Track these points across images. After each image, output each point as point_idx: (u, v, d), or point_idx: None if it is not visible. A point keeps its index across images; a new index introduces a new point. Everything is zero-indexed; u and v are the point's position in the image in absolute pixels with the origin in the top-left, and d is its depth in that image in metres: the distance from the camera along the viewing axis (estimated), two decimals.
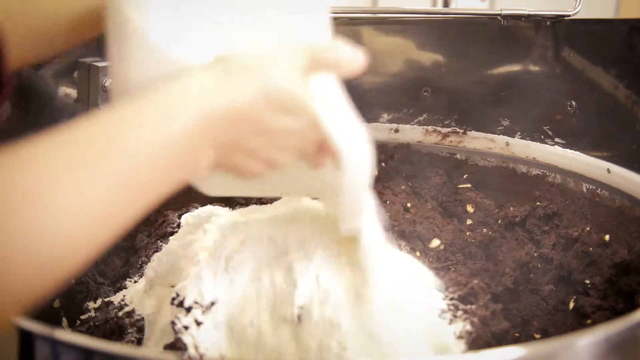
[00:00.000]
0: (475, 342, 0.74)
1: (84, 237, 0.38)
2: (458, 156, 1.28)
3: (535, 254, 1.07)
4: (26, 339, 0.54)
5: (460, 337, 0.74)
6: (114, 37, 0.54)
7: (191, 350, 0.68)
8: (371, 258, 0.69)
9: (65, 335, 0.52)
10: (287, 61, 0.46)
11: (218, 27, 0.52)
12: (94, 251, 0.39)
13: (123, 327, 0.85)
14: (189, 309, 0.72)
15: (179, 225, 1.09)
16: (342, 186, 0.54)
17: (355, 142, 0.53)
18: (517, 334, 0.95)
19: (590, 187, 1.07)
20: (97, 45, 1.06)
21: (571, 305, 0.94)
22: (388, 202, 1.16)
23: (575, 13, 1.15)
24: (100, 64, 1.03)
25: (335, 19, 1.32)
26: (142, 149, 0.39)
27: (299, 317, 0.69)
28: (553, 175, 1.16)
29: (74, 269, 0.38)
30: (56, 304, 0.98)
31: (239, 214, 0.87)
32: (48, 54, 0.59)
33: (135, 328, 0.84)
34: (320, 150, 0.51)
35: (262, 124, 0.45)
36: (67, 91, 1.07)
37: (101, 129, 0.39)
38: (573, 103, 1.16)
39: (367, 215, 0.66)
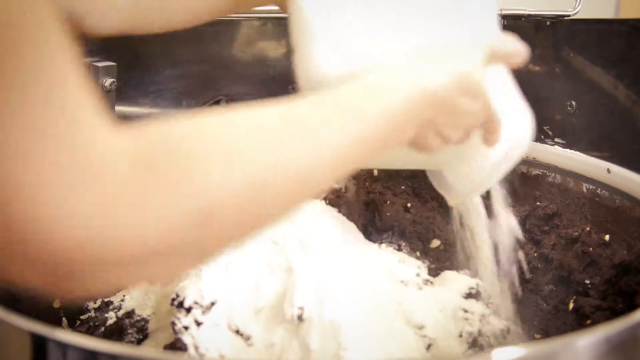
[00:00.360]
0: (476, 342, 0.75)
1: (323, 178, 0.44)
2: None
3: (535, 254, 1.07)
4: (26, 339, 0.54)
5: (460, 336, 0.74)
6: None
7: (191, 351, 0.68)
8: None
9: (65, 335, 0.52)
10: (475, 53, 0.54)
11: (390, 29, 0.57)
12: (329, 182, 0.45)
13: (123, 328, 0.85)
14: (189, 309, 0.72)
15: None
16: (489, 160, 0.62)
17: (516, 122, 0.62)
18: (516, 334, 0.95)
19: (590, 187, 1.07)
20: (97, 45, 1.07)
21: (571, 305, 0.94)
22: (388, 202, 1.15)
23: (575, 13, 1.15)
24: (100, 64, 1.03)
25: None
26: (373, 116, 0.45)
27: (299, 317, 0.69)
28: (553, 175, 1.15)
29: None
30: (56, 304, 0.98)
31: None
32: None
33: (135, 328, 0.84)
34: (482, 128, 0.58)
35: (453, 105, 0.51)
36: None
37: (344, 98, 0.46)
38: (573, 103, 1.16)
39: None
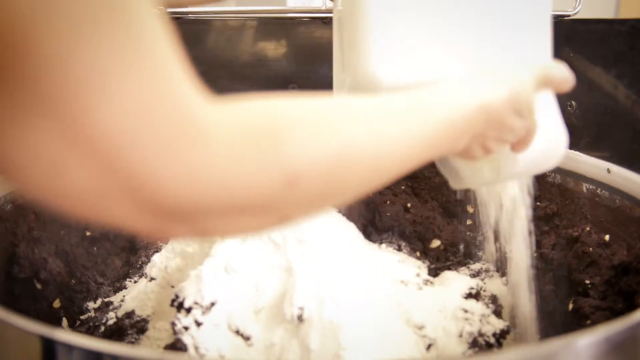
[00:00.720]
0: (476, 342, 0.74)
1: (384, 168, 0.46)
2: None
3: (535, 254, 1.07)
4: (26, 339, 0.54)
5: (460, 336, 0.74)
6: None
7: (191, 351, 0.68)
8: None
9: (65, 335, 0.52)
10: (528, 75, 0.56)
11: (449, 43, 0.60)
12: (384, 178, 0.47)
13: (123, 328, 0.85)
14: (189, 310, 0.72)
15: None
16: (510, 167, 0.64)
17: (550, 139, 0.64)
18: (517, 334, 0.95)
19: (590, 187, 1.07)
20: None
21: (570, 306, 0.94)
22: (388, 202, 1.15)
23: (575, 13, 1.15)
24: None
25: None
26: (438, 121, 0.48)
27: (299, 317, 0.69)
28: (553, 175, 1.15)
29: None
30: (56, 304, 0.98)
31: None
32: None
33: (135, 329, 0.84)
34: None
35: (503, 121, 0.54)
36: None
37: (415, 99, 0.49)
38: (573, 103, 1.16)
39: None
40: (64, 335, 0.52)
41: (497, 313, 0.83)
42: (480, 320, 0.77)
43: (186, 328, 0.70)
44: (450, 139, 0.50)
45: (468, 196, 1.22)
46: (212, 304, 0.72)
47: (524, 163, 0.63)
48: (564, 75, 0.61)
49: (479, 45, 0.61)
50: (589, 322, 0.90)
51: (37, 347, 0.54)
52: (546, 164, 0.67)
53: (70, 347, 0.53)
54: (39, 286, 0.97)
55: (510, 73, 0.56)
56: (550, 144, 0.65)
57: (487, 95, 0.52)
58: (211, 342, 0.69)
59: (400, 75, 0.59)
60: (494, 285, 1.01)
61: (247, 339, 0.71)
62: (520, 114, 0.55)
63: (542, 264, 1.05)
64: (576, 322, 0.92)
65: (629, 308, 0.84)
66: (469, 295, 0.82)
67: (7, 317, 0.54)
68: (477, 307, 0.80)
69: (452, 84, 0.53)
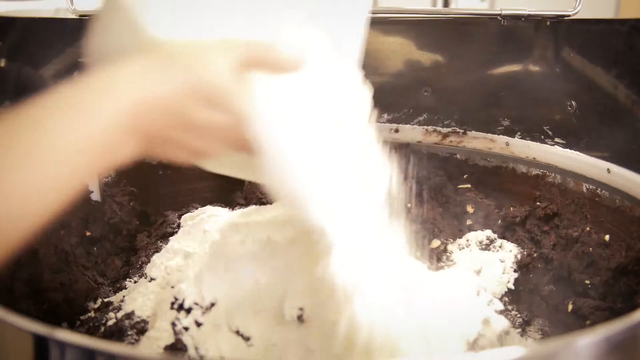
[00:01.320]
0: (476, 342, 0.74)
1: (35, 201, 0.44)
2: (458, 156, 1.28)
3: (535, 254, 1.07)
4: (27, 339, 0.54)
5: (461, 337, 0.74)
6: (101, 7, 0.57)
7: (191, 351, 0.68)
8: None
9: (65, 335, 0.52)
10: (222, 56, 0.48)
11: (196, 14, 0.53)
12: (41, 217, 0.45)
13: (123, 329, 0.85)
14: (189, 310, 0.72)
15: (179, 226, 1.09)
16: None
17: (281, 148, 0.53)
18: (517, 334, 0.95)
19: (590, 187, 1.07)
20: None
21: (570, 307, 0.94)
22: None
23: (575, 13, 1.15)
24: None
25: None
26: (68, 139, 0.43)
27: (299, 318, 0.69)
28: (553, 175, 1.16)
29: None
30: (56, 304, 0.98)
31: (238, 215, 0.87)
32: None
33: (135, 330, 0.84)
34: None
35: (187, 115, 0.47)
36: None
37: (34, 120, 0.43)
38: (573, 103, 1.15)
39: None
40: (64, 335, 0.52)
41: (498, 312, 0.83)
42: (481, 321, 0.77)
43: (186, 328, 0.70)
44: (100, 149, 0.44)
45: (468, 196, 1.22)
46: (212, 305, 0.72)
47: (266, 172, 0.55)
48: (279, 55, 0.51)
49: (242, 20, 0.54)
50: (588, 322, 0.90)
51: (37, 347, 0.54)
52: (282, 171, 0.57)
53: (70, 347, 0.53)
54: (39, 286, 0.97)
55: (201, 58, 0.47)
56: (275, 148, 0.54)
57: (150, 88, 0.45)
58: (211, 343, 0.69)
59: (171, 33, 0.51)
60: (494, 284, 1.01)
61: (247, 339, 0.71)
62: (213, 104, 0.47)
63: (542, 264, 1.06)
64: (576, 323, 0.92)
65: (629, 308, 0.84)
66: (470, 296, 0.82)
67: (7, 317, 0.54)
68: (478, 308, 0.80)
69: (111, 79, 0.45)
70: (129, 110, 0.44)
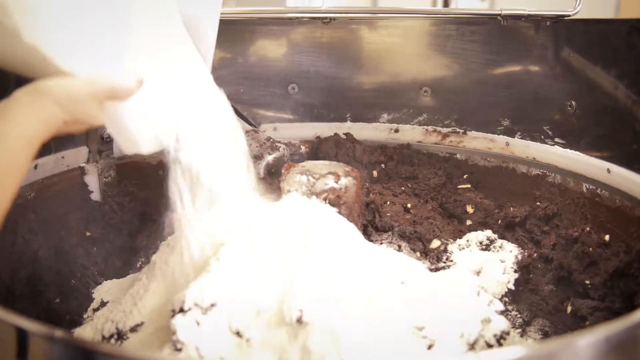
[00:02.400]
0: (477, 343, 0.74)
1: None
2: (458, 156, 1.28)
3: (535, 254, 1.07)
4: (26, 339, 0.54)
5: (461, 337, 0.74)
6: None
7: (192, 352, 0.68)
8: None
9: (64, 335, 0.52)
10: (87, 96, 0.68)
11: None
12: None
13: (122, 329, 0.85)
14: (189, 310, 0.72)
15: None
16: None
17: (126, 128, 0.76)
18: (517, 334, 0.95)
19: (590, 187, 1.07)
20: None
21: (568, 309, 0.94)
22: (388, 202, 1.16)
23: (575, 13, 1.15)
24: None
25: (335, 19, 1.33)
26: None
27: (299, 320, 0.69)
28: (553, 175, 1.16)
29: None
30: (56, 303, 0.98)
31: (239, 215, 0.87)
32: None
33: (135, 331, 0.84)
34: None
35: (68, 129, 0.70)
36: None
37: None
38: (573, 103, 1.15)
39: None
40: (63, 335, 0.52)
41: (499, 313, 0.83)
42: (482, 321, 0.77)
43: (186, 328, 0.70)
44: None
45: (468, 197, 1.22)
46: (212, 305, 0.72)
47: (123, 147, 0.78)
48: (125, 86, 0.71)
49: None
50: (587, 322, 0.90)
51: (37, 347, 0.54)
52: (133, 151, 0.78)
53: (69, 347, 0.53)
54: (39, 286, 0.97)
55: (75, 101, 0.67)
56: (128, 144, 0.77)
57: (42, 125, 0.64)
58: (211, 344, 0.69)
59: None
60: (494, 285, 1.01)
61: (247, 340, 0.71)
62: (82, 122, 0.69)
63: (542, 264, 1.06)
64: (576, 323, 0.92)
65: (628, 308, 0.84)
66: (470, 296, 0.82)
67: (7, 317, 0.54)
68: (479, 308, 0.80)
69: (12, 123, 0.63)
70: (37, 146, 0.65)
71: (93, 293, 1.03)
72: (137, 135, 0.77)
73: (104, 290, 1.02)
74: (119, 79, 0.71)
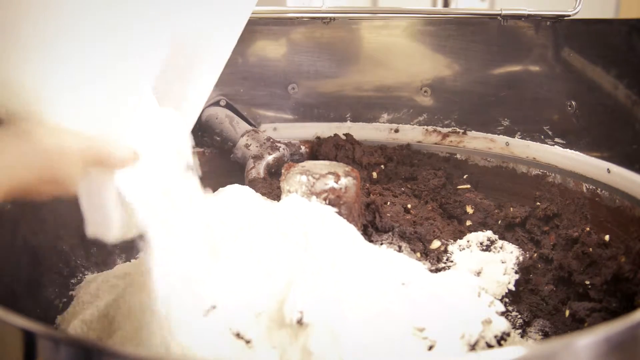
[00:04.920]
0: (477, 344, 0.74)
1: None
2: (458, 156, 1.28)
3: (535, 255, 1.07)
4: (27, 339, 0.54)
5: (462, 338, 0.74)
6: None
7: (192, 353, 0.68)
8: None
9: (64, 335, 0.52)
10: (74, 154, 0.59)
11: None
12: None
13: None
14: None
15: None
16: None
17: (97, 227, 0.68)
18: (517, 335, 0.94)
19: (590, 187, 1.07)
20: None
21: (567, 313, 0.94)
22: (388, 203, 1.16)
23: (575, 13, 1.15)
24: None
25: (335, 19, 1.33)
26: None
27: (299, 321, 0.69)
28: (553, 175, 1.16)
29: None
30: (56, 303, 0.98)
31: (240, 215, 0.87)
32: None
33: None
34: None
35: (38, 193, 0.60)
36: None
37: None
38: (573, 103, 1.16)
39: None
40: (63, 335, 0.52)
41: (499, 314, 0.83)
42: (482, 322, 0.77)
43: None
44: None
45: (468, 197, 1.22)
46: (212, 307, 0.72)
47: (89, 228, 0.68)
48: (121, 155, 0.62)
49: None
50: (586, 324, 0.90)
51: (37, 347, 0.54)
52: (101, 237, 0.69)
53: (69, 347, 0.53)
54: (39, 286, 0.97)
55: (59, 161, 0.58)
56: (97, 227, 0.68)
57: (20, 178, 0.56)
58: (211, 345, 0.69)
59: None
60: (494, 285, 1.01)
61: (247, 342, 0.71)
62: (53, 182, 0.59)
63: (542, 264, 1.06)
64: (575, 326, 0.92)
65: (628, 308, 0.84)
66: (471, 297, 0.82)
67: (7, 317, 0.54)
68: (479, 309, 0.80)
69: None
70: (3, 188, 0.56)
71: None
72: (110, 217, 0.67)
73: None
74: (116, 146, 0.62)
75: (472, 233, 1.10)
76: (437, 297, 0.78)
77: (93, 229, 0.68)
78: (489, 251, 1.07)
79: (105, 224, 0.67)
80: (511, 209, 1.16)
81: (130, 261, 1.11)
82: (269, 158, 1.21)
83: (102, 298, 0.88)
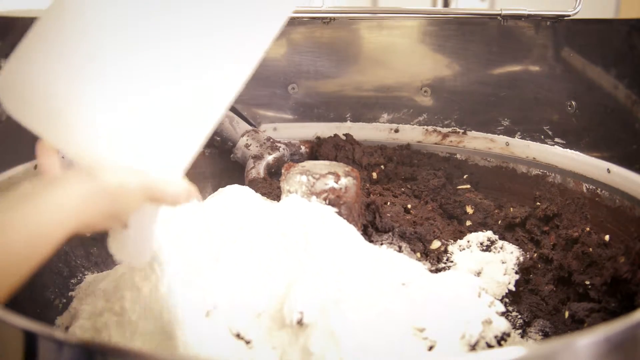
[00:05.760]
0: (478, 344, 0.74)
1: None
2: (458, 156, 1.28)
3: (536, 255, 1.07)
4: (28, 339, 0.54)
5: (462, 338, 0.74)
6: None
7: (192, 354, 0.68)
8: None
9: (64, 335, 0.52)
10: (134, 189, 0.62)
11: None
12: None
13: None
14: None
15: None
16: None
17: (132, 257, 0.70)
18: (518, 335, 0.94)
19: (590, 187, 1.07)
20: None
21: (566, 314, 0.94)
22: (389, 203, 1.15)
23: (575, 13, 1.15)
24: None
25: (335, 19, 1.33)
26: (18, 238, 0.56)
27: (299, 322, 0.69)
28: (553, 175, 1.16)
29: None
30: (56, 303, 0.98)
31: (240, 216, 0.87)
32: None
33: None
34: None
35: (95, 224, 0.63)
36: None
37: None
38: (573, 103, 1.16)
39: None
40: (62, 335, 0.52)
41: (499, 314, 0.83)
42: (482, 322, 0.77)
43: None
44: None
45: (468, 197, 1.22)
46: (213, 308, 0.72)
47: (116, 253, 0.69)
48: (175, 192, 0.65)
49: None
50: (585, 325, 0.90)
51: (36, 347, 0.54)
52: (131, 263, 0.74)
53: (68, 347, 0.53)
54: (39, 286, 0.97)
55: (123, 198, 0.62)
56: (132, 257, 0.69)
57: (87, 216, 0.59)
58: (212, 346, 0.69)
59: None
60: (494, 286, 1.01)
61: (247, 342, 0.71)
62: (113, 215, 0.62)
63: (542, 264, 1.06)
64: (574, 326, 0.92)
65: (627, 308, 0.84)
66: (471, 297, 0.82)
67: (7, 316, 0.54)
68: (479, 309, 0.80)
69: (59, 204, 0.58)
70: (68, 229, 0.58)
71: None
72: (151, 246, 0.70)
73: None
74: (172, 182, 0.64)
75: (472, 233, 1.10)
76: (437, 297, 0.78)
77: (129, 256, 0.70)
78: (489, 251, 1.07)
79: (144, 252, 0.70)
80: (511, 209, 1.16)
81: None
82: (269, 158, 1.21)
83: (101, 299, 0.88)
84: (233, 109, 1.33)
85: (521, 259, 1.05)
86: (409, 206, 1.17)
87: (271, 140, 1.24)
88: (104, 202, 0.61)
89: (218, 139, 1.29)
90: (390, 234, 1.06)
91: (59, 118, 0.61)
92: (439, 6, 2.01)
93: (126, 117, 0.61)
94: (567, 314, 0.94)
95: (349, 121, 1.38)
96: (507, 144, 1.23)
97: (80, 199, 0.59)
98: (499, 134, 1.25)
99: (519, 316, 0.99)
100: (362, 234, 0.93)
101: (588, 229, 1.03)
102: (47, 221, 0.57)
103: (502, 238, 1.12)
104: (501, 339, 0.76)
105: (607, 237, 0.99)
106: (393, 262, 0.84)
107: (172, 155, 0.65)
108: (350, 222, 0.90)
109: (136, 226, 0.66)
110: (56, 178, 0.61)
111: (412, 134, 1.34)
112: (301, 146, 1.29)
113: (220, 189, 0.95)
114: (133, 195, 0.63)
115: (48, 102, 0.60)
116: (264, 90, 1.36)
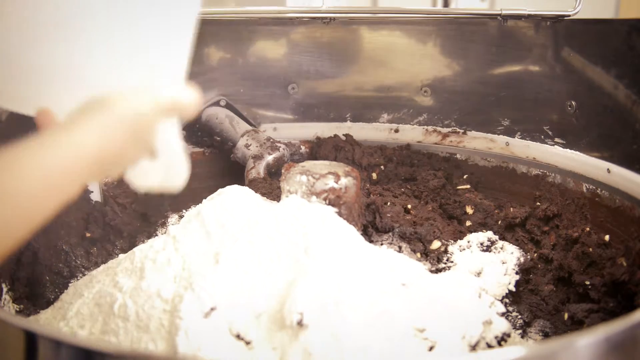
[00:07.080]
0: (478, 344, 0.74)
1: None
2: (458, 156, 1.28)
3: (536, 255, 1.07)
4: (28, 339, 0.54)
5: (463, 338, 0.74)
6: None
7: (192, 355, 0.68)
8: None
9: (64, 335, 0.52)
10: (151, 105, 0.61)
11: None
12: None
13: None
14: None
15: None
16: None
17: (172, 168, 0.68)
18: (518, 336, 0.94)
19: (590, 187, 1.07)
20: None
21: (565, 316, 0.94)
22: (389, 203, 1.16)
23: (575, 13, 1.15)
24: None
25: (335, 19, 1.33)
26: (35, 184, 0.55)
27: (299, 323, 0.69)
28: (553, 175, 1.16)
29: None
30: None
31: (241, 216, 0.87)
32: None
33: None
34: None
35: (119, 151, 0.60)
36: None
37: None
38: (573, 103, 1.16)
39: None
40: (62, 335, 0.52)
41: (500, 314, 0.83)
42: (483, 323, 0.77)
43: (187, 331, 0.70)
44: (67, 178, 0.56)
45: (468, 197, 1.22)
46: (212, 309, 0.72)
47: (146, 183, 0.68)
48: (191, 100, 0.63)
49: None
50: (585, 326, 0.90)
51: (36, 346, 0.54)
52: (168, 188, 0.70)
53: (68, 347, 0.53)
54: (39, 286, 0.97)
55: (130, 106, 0.60)
56: (169, 172, 0.68)
57: (105, 145, 0.57)
58: (212, 347, 0.69)
59: None
60: (494, 286, 1.01)
61: (247, 343, 0.71)
62: (138, 142, 0.61)
63: (542, 264, 1.06)
64: (574, 326, 0.92)
65: (627, 308, 0.84)
66: (471, 297, 0.82)
67: (7, 316, 0.54)
68: (480, 309, 0.80)
69: (75, 139, 0.56)
70: (89, 163, 0.56)
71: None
72: (183, 162, 0.68)
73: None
74: (182, 91, 0.63)
75: (473, 233, 1.10)
76: (437, 297, 0.78)
77: (163, 181, 0.68)
78: (490, 252, 1.07)
79: (182, 172, 0.68)
80: (511, 209, 1.16)
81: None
82: (269, 158, 1.21)
83: (89, 297, 0.88)
84: (233, 109, 1.33)
85: (521, 259, 1.05)
86: (409, 206, 1.17)
87: (271, 140, 1.24)
88: (124, 132, 0.59)
89: (218, 139, 1.29)
90: (390, 234, 1.06)
91: (41, 75, 0.62)
92: (439, 6, 2.01)
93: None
94: (566, 315, 0.94)
95: (349, 121, 1.38)
96: (507, 144, 1.23)
97: (97, 135, 0.57)
98: (499, 134, 1.25)
99: (519, 316, 0.99)
100: (362, 234, 0.93)
101: (588, 229, 1.03)
102: (66, 161, 0.55)
103: (502, 238, 1.12)
104: (501, 340, 0.76)
105: (607, 237, 0.99)
106: (393, 262, 0.84)
107: (167, 65, 0.65)
108: (350, 222, 0.90)
109: (165, 147, 0.65)
110: (70, 120, 0.58)
111: (412, 134, 1.34)
112: (301, 146, 1.29)
113: (220, 189, 0.95)
114: (151, 115, 0.61)
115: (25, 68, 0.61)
116: (264, 90, 1.36)
